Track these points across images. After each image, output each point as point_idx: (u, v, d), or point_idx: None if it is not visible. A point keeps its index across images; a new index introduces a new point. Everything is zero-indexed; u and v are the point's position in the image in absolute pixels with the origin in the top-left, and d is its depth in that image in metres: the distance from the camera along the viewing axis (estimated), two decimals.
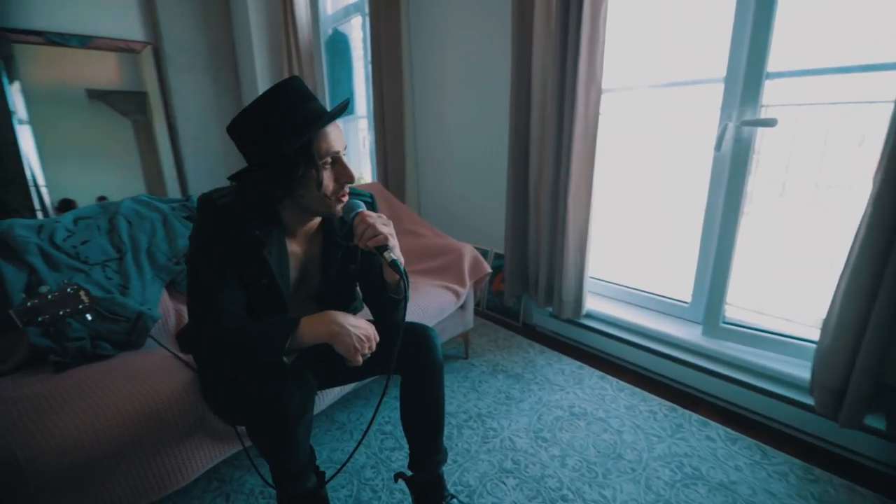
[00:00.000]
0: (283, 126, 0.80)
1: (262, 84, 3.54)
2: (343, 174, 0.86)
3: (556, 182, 1.76)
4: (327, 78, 3.33)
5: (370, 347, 0.87)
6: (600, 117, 1.62)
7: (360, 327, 0.86)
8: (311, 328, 0.84)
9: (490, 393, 1.62)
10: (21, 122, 2.97)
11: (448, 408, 1.53)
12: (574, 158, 1.65)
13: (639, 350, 1.71)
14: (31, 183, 3.05)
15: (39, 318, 0.82)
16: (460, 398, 1.60)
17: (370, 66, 2.60)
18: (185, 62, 3.52)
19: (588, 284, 1.83)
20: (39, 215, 3.11)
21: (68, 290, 0.86)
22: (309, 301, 1.02)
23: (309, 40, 3.19)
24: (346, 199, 0.89)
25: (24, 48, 2.99)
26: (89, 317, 0.89)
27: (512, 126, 1.84)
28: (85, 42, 3.22)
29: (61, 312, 0.84)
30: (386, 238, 0.86)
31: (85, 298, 0.87)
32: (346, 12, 3.03)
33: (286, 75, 3.23)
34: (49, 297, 0.83)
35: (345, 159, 0.87)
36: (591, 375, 1.72)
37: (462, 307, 1.72)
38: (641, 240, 1.95)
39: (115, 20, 3.30)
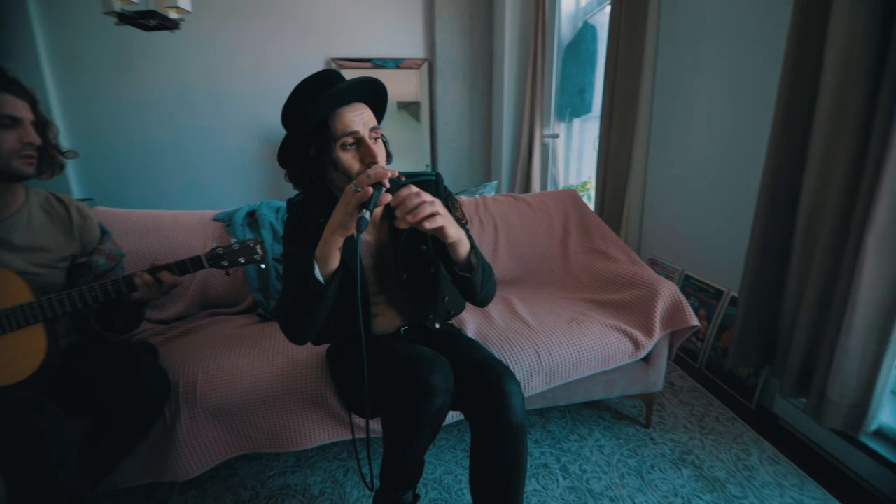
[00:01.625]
0: (302, 109, 0.84)
1: (508, 86, 3.65)
2: (367, 155, 0.83)
3: (847, 208, 1.10)
4: (559, 75, 3.17)
5: (372, 176, 0.74)
6: None
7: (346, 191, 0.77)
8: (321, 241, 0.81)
9: (661, 489, 1.18)
10: None
11: (588, 483, 1.20)
12: (886, 177, 0.98)
13: None
14: None
15: (223, 263, 1.02)
16: (613, 476, 1.22)
17: (606, 60, 2.28)
18: (450, 73, 3.99)
19: (887, 381, 1.08)
20: None
21: (249, 243, 1.04)
22: (395, 290, 1.00)
23: (554, 36, 3.09)
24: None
25: (353, 73, 4.00)
26: (263, 266, 1.07)
27: (777, 132, 1.24)
28: (398, 63, 4.06)
29: (241, 260, 1.03)
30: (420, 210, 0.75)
31: (259, 251, 1.05)
32: (600, 1, 2.77)
33: (530, 74, 3.23)
34: (234, 247, 1.03)
35: (371, 141, 0.85)
36: None
37: (646, 361, 1.31)
38: None
39: (409, 44, 4.02)
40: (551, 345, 1.20)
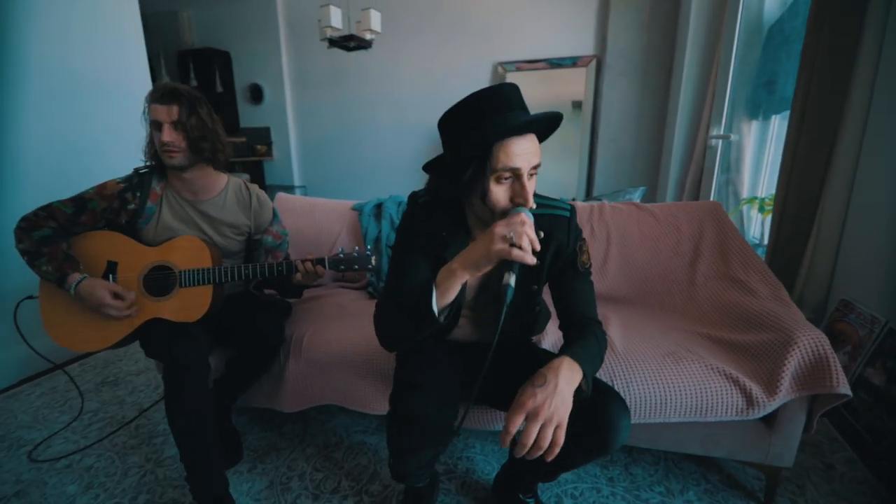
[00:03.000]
0: (468, 129, 0.76)
1: (687, 80, 3.19)
2: (519, 194, 0.76)
3: None
4: (740, 62, 2.58)
5: (529, 236, 0.71)
6: None
7: (498, 226, 0.73)
8: (454, 261, 0.77)
9: None
10: None
11: None
12: None
13: None
14: None
15: (341, 267, 1.23)
16: None
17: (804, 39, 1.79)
18: (620, 68, 3.70)
19: None
20: None
21: (367, 252, 1.23)
22: (487, 312, 0.97)
23: (738, 14, 2.56)
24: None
25: (527, 75, 4.04)
26: (370, 276, 1.25)
27: None
28: (575, 61, 3.97)
29: (356, 267, 1.23)
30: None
31: (373, 262, 1.23)
32: None
33: (715, 64, 2.77)
34: (354, 254, 1.23)
35: (528, 180, 0.77)
36: None
37: (766, 423, 1.03)
38: None
39: (577, 41, 3.88)
40: (631, 377, 1.06)
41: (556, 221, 0.89)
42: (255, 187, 1.37)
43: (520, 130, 0.74)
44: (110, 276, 1.18)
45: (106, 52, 2.08)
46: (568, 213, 0.91)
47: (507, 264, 0.74)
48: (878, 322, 1.46)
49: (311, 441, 1.40)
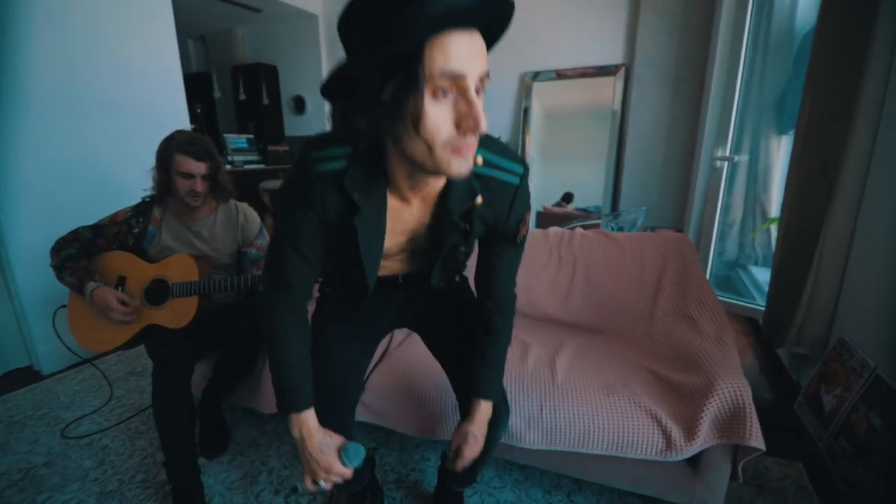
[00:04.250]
0: (385, 19, 0.51)
1: (715, 95, 3.05)
2: (467, 115, 0.55)
3: None
4: (741, 81, 2.41)
5: (324, 478, 0.79)
6: None
7: (317, 458, 0.78)
8: (293, 425, 0.80)
9: None
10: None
11: None
12: None
13: None
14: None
15: None
16: None
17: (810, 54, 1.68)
18: (649, 77, 3.58)
19: None
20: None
21: None
22: (414, 255, 0.85)
23: (781, 33, 2.41)
24: (469, 154, 0.58)
25: (541, 84, 4.05)
26: None
27: None
28: (609, 69, 3.89)
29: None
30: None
31: None
32: None
33: (740, 74, 2.63)
34: None
35: (474, 95, 0.55)
36: None
37: (692, 466, 1.03)
38: None
39: (605, 49, 3.79)
40: (560, 405, 1.10)
41: (499, 189, 0.73)
42: (243, 205, 1.55)
43: (463, 19, 0.51)
44: (119, 288, 1.40)
45: (144, 78, 2.36)
46: (517, 181, 0.73)
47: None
48: (868, 367, 1.38)
49: (287, 440, 1.55)
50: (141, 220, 1.40)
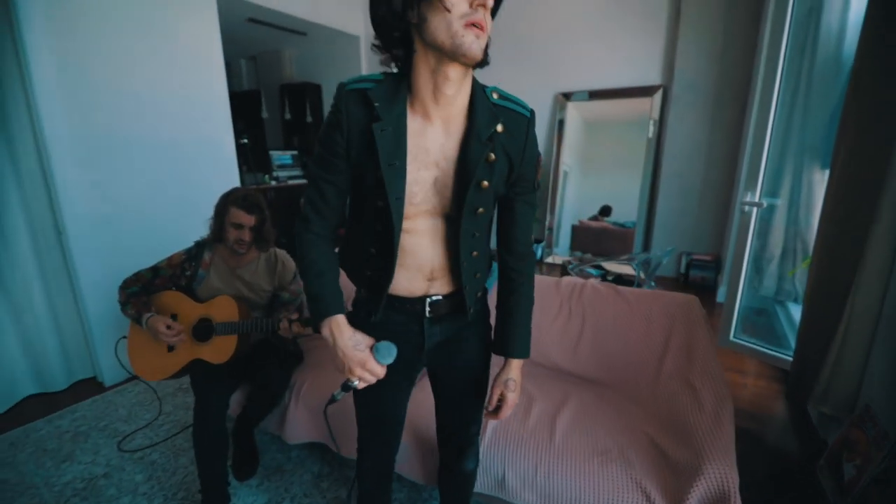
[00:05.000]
0: None
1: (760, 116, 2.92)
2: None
3: None
4: (774, 114, 2.29)
5: (360, 374, 0.79)
6: None
7: (350, 354, 0.78)
8: (324, 329, 0.80)
9: None
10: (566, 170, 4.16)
11: None
12: None
13: None
14: (556, 196, 4.27)
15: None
16: None
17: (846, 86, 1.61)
18: (688, 100, 3.49)
19: None
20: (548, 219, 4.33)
21: None
22: (438, 219, 0.82)
23: (827, 62, 2.30)
24: (481, 33, 0.67)
25: (589, 104, 4.02)
26: None
27: None
28: (640, 91, 3.77)
29: None
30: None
31: None
32: None
33: (773, 110, 2.52)
34: None
35: None
36: None
37: None
38: None
39: (642, 70, 3.72)
40: (555, 468, 1.15)
41: (516, 119, 0.79)
42: (282, 253, 1.69)
43: None
44: None
45: (199, 123, 2.60)
46: (528, 114, 0.81)
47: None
48: (889, 439, 1.33)
49: (309, 468, 1.69)
50: (193, 263, 1.58)
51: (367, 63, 4.95)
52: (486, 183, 0.77)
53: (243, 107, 5.94)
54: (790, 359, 2.00)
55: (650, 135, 3.74)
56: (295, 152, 4.93)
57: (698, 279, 3.57)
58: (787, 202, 2.55)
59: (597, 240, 4.44)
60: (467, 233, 0.81)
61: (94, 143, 2.14)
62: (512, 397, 0.92)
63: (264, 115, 5.29)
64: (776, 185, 2.56)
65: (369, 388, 0.84)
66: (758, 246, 2.64)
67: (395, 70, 0.77)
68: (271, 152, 4.77)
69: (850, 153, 1.55)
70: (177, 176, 2.50)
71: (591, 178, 4.41)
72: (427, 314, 0.89)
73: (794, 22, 1.98)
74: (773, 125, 1.96)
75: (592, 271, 3.87)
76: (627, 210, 4.10)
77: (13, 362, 2.08)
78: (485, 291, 1.05)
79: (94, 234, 2.16)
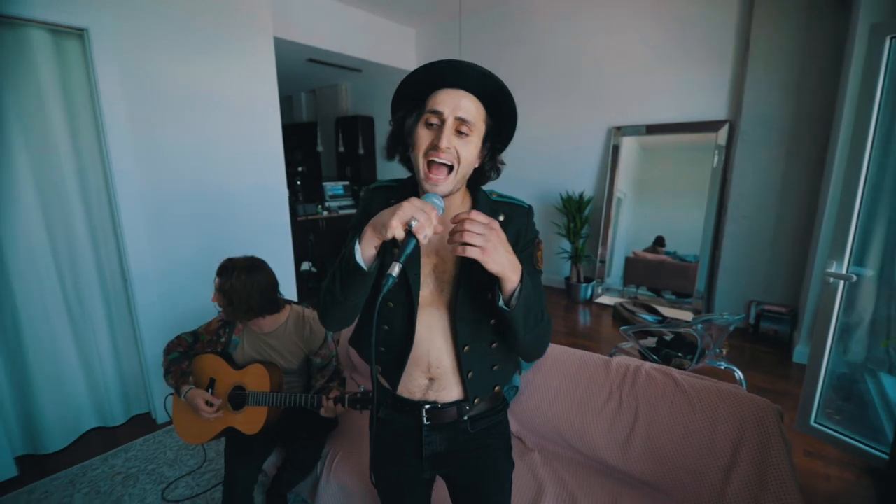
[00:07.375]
0: (413, 83, 0.80)
1: (841, 151, 2.62)
2: (436, 137, 0.75)
3: None
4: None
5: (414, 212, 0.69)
6: None
7: (392, 208, 0.70)
8: (363, 236, 0.75)
9: None
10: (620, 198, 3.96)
11: None
12: None
13: None
14: (609, 225, 4.07)
15: (357, 406, 1.42)
16: None
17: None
18: (758, 136, 3.20)
19: None
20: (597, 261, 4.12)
21: None
22: (442, 309, 0.85)
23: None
24: (437, 175, 0.76)
25: (645, 139, 3.82)
26: None
27: None
28: (703, 126, 3.44)
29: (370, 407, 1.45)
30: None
31: None
32: None
33: (864, 166, 2.23)
34: (369, 394, 1.45)
35: (452, 131, 0.76)
36: None
37: None
38: None
39: (706, 105, 3.48)
40: None
41: (515, 210, 0.87)
42: (311, 314, 1.67)
43: (452, 79, 0.76)
44: (210, 389, 1.61)
45: (253, 169, 2.73)
46: (527, 206, 0.89)
47: (394, 253, 0.70)
48: None
49: None
50: (227, 329, 1.61)
51: None
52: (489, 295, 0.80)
53: (302, 138, 6.25)
54: (886, 456, 1.71)
55: (714, 164, 3.47)
56: (346, 182, 5.08)
57: (770, 332, 3.22)
58: (878, 270, 2.23)
59: (653, 273, 4.15)
60: (462, 321, 0.84)
61: (160, 196, 2.30)
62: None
63: (319, 148, 5.50)
64: (864, 248, 2.25)
65: (389, 492, 0.93)
66: (835, 329, 2.32)
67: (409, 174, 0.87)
68: (324, 183, 4.94)
69: None
70: (229, 235, 2.64)
71: (645, 205, 4.14)
72: (425, 420, 0.88)
73: (890, 68, 1.74)
74: (863, 188, 1.72)
75: (647, 317, 3.61)
76: (685, 242, 3.81)
77: (79, 398, 2.24)
78: (503, 403, 0.98)
79: (155, 285, 2.31)
